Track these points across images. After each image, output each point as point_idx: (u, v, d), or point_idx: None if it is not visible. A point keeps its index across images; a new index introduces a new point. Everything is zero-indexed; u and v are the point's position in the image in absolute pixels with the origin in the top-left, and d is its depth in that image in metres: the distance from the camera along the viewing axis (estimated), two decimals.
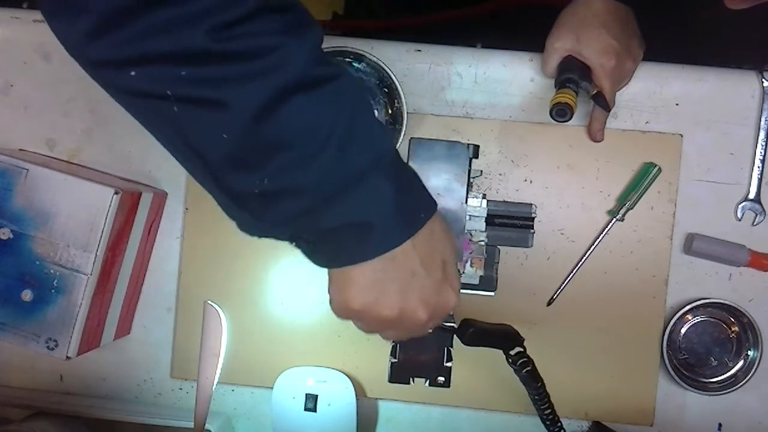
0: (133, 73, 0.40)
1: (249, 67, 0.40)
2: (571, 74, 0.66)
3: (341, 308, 0.50)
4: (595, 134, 0.72)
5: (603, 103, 0.66)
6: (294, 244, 0.49)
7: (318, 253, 0.49)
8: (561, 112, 0.64)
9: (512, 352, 0.63)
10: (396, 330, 0.52)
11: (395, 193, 0.45)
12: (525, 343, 0.64)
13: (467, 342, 0.61)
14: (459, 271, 0.54)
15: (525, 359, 0.63)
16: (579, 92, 0.66)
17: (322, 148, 0.43)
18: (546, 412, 0.67)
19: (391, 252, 0.47)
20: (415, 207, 0.48)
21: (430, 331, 0.60)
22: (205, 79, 0.40)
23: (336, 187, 0.44)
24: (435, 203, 0.50)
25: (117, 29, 0.39)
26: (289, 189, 0.43)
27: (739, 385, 0.74)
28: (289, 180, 0.43)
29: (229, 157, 0.43)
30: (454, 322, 0.62)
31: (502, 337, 0.63)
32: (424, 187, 0.50)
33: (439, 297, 0.51)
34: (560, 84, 0.67)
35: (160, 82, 0.41)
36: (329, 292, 0.51)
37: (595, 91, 0.67)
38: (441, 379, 0.62)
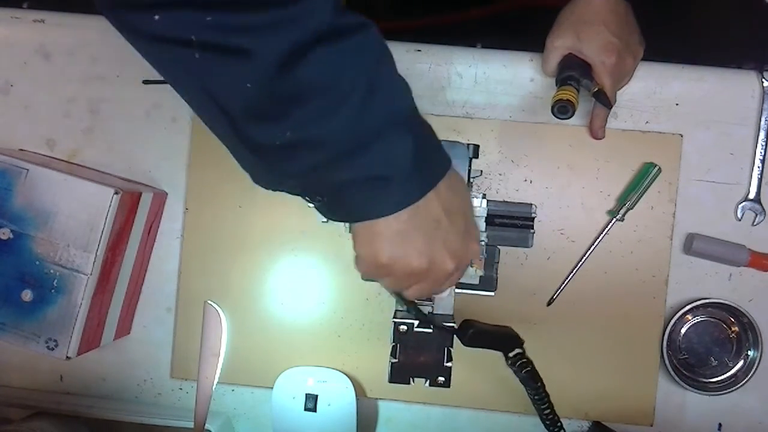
0: (157, 17, 0.40)
1: (276, 14, 0.40)
2: (572, 72, 0.66)
3: (370, 263, 0.50)
4: (596, 132, 0.72)
5: (604, 100, 0.66)
6: (307, 198, 0.49)
7: (333, 208, 0.48)
8: (563, 109, 0.64)
9: (511, 354, 0.63)
10: (423, 283, 0.52)
11: (414, 148, 0.46)
12: (525, 344, 0.64)
13: (467, 343, 0.61)
14: (476, 225, 0.54)
15: (524, 360, 0.63)
16: (580, 90, 0.66)
17: (344, 100, 0.42)
18: (546, 412, 0.67)
19: (414, 204, 0.47)
20: (433, 161, 0.49)
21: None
22: (231, 25, 0.40)
23: (356, 140, 0.44)
24: (449, 159, 0.51)
25: None
26: (309, 140, 0.43)
27: (739, 385, 0.74)
28: (310, 131, 0.43)
29: (251, 108, 0.42)
30: (454, 323, 0.62)
31: (501, 339, 0.63)
32: (439, 142, 0.50)
33: (464, 246, 0.51)
34: (561, 82, 0.67)
35: (185, 27, 0.40)
36: (355, 249, 0.50)
37: (596, 89, 0.66)
38: (441, 379, 0.62)
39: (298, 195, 0.48)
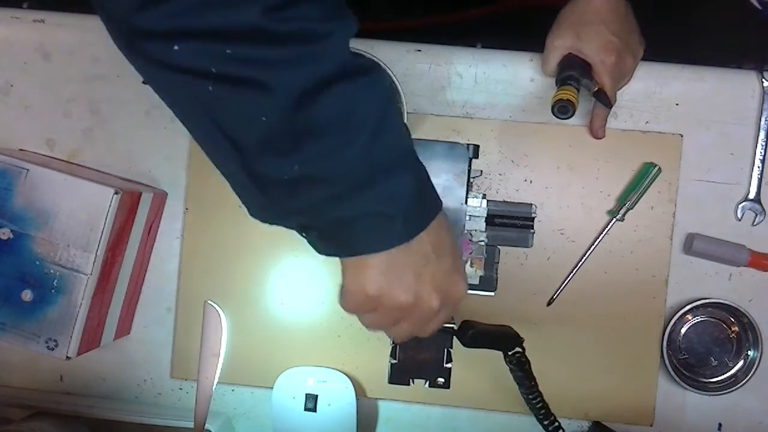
0: (176, 48, 0.39)
1: (299, 51, 0.40)
2: (572, 72, 0.66)
3: (357, 295, 0.50)
4: (596, 131, 0.72)
5: (604, 99, 0.66)
6: (303, 233, 0.49)
7: (328, 242, 0.49)
8: (563, 109, 0.64)
9: (510, 352, 0.63)
10: (408, 320, 0.52)
11: (416, 187, 0.47)
12: (525, 343, 0.64)
13: (467, 344, 0.61)
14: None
15: (523, 359, 0.63)
16: (580, 90, 0.66)
17: (355, 138, 0.43)
18: (541, 411, 0.67)
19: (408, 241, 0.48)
20: (429, 200, 0.50)
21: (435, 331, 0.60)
22: (251, 59, 0.40)
23: (364, 178, 0.44)
24: (439, 199, 0.52)
25: (165, 0, 0.39)
26: (318, 176, 0.44)
27: (739, 385, 0.74)
28: (319, 167, 0.43)
29: (263, 141, 0.42)
30: (454, 323, 0.62)
31: (501, 338, 0.63)
32: (430, 181, 0.51)
33: (450, 284, 0.52)
34: (561, 81, 0.67)
35: (204, 58, 0.40)
36: (343, 281, 0.50)
37: (596, 88, 0.66)
38: (441, 380, 0.62)
39: (293, 229, 0.49)
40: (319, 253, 0.50)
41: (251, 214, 0.48)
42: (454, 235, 0.53)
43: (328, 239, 0.48)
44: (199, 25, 0.39)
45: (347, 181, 0.44)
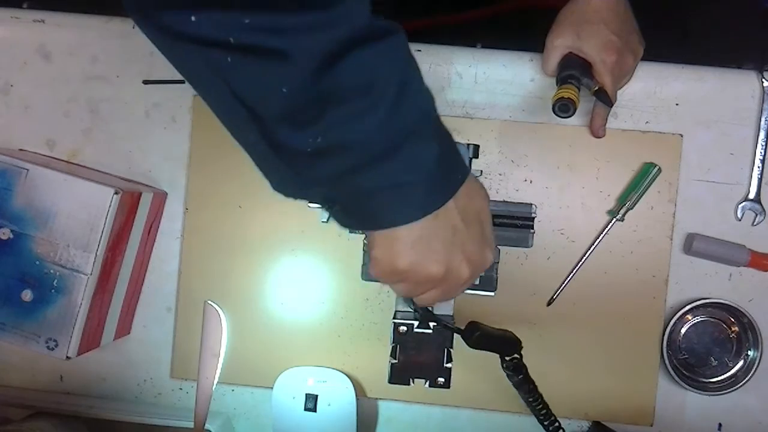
0: (193, 18, 0.39)
1: (315, 17, 0.39)
2: (573, 71, 0.66)
3: (388, 268, 0.49)
4: (597, 130, 0.72)
5: (605, 99, 0.66)
6: (327, 206, 0.48)
7: (355, 216, 0.48)
8: (564, 108, 0.64)
9: (507, 358, 0.63)
10: (438, 289, 0.52)
11: (439, 153, 0.46)
12: (525, 343, 0.64)
13: (473, 345, 0.61)
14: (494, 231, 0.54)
15: (520, 365, 0.63)
16: (580, 89, 0.66)
17: (376, 103, 0.42)
18: (542, 412, 0.67)
19: (436, 210, 0.47)
20: (455, 167, 0.49)
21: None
22: (269, 27, 0.39)
23: (386, 144, 0.43)
24: (468, 165, 0.51)
25: None
26: (341, 144, 0.43)
27: (739, 385, 0.74)
28: (342, 135, 0.42)
29: (284, 112, 0.42)
30: (457, 326, 0.62)
31: (504, 343, 0.63)
32: (458, 150, 0.50)
33: (480, 255, 0.51)
34: (562, 81, 0.67)
35: (222, 28, 0.39)
36: (372, 253, 0.50)
37: (597, 87, 0.67)
38: (441, 379, 0.62)
39: (317, 203, 0.48)
40: (344, 227, 0.49)
41: (273, 188, 0.47)
42: (486, 199, 0.52)
43: (353, 212, 0.48)
44: None
45: (370, 149, 0.43)
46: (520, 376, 0.63)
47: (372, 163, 0.43)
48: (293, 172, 0.45)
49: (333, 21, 0.40)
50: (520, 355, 0.63)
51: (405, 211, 0.47)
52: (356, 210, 0.47)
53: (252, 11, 0.39)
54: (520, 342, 0.63)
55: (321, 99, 0.41)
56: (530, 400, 0.66)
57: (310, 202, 0.47)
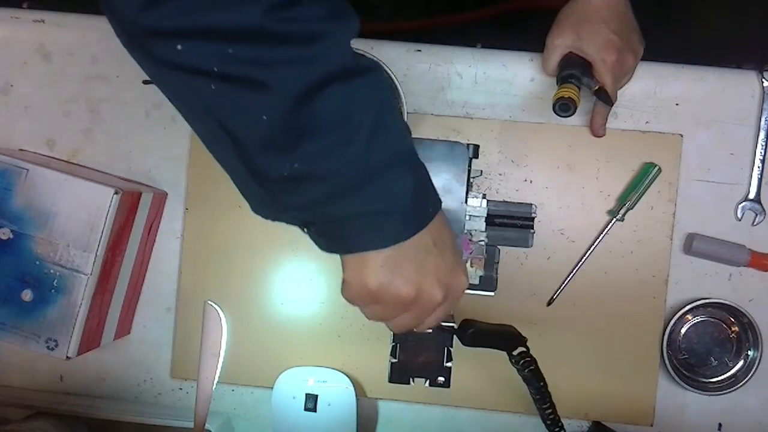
0: (179, 47, 0.40)
1: (299, 51, 0.41)
2: (573, 70, 0.67)
3: (358, 290, 0.50)
4: (597, 129, 0.72)
5: (605, 98, 0.66)
6: (305, 229, 0.49)
7: (329, 239, 0.49)
8: (564, 107, 0.64)
9: (515, 352, 0.63)
10: (410, 312, 0.52)
11: (414, 185, 0.47)
12: (527, 343, 0.64)
13: (467, 343, 0.61)
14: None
15: (528, 359, 0.63)
16: (581, 88, 0.66)
17: (353, 137, 0.44)
18: (547, 411, 0.67)
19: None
20: (428, 199, 0.50)
21: (431, 329, 0.60)
22: (253, 59, 0.41)
23: (361, 176, 0.45)
24: (439, 198, 0.52)
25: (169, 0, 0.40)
26: (316, 173, 0.44)
27: (739, 385, 0.74)
28: (318, 165, 0.44)
29: (263, 139, 0.43)
30: (453, 322, 0.62)
31: (503, 338, 0.63)
32: (431, 180, 0.51)
33: (452, 277, 0.52)
34: (562, 80, 0.67)
35: (207, 58, 0.40)
36: (343, 277, 0.51)
37: (597, 87, 0.67)
38: (441, 379, 0.62)
39: (294, 225, 0.49)
40: (321, 249, 0.50)
41: (252, 209, 0.49)
42: (452, 234, 0.54)
43: (328, 236, 0.49)
44: (202, 25, 0.40)
45: (345, 180, 0.44)
46: (528, 371, 0.63)
47: (346, 193, 0.45)
48: (269, 196, 0.47)
49: (314, 57, 0.42)
50: (527, 348, 0.63)
51: (376, 238, 0.48)
52: (330, 234, 0.49)
53: (236, 43, 0.40)
54: (521, 335, 0.63)
55: (300, 129, 0.43)
56: (538, 397, 0.66)
57: (291, 224, 0.48)
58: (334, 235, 0.49)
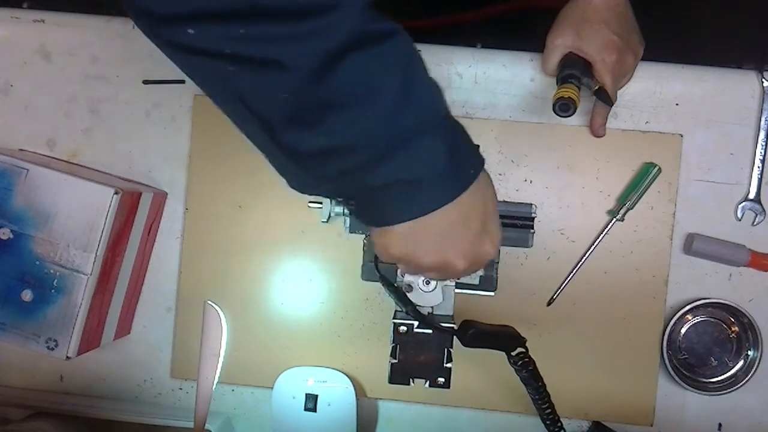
0: (191, 31, 0.40)
1: (307, 25, 0.40)
2: (573, 70, 0.66)
3: (382, 252, 0.52)
4: (597, 129, 0.72)
5: (605, 98, 0.66)
6: (341, 201, 0.50)
7: (364, 212, 0.50)
8: (564, 107, 0.64)
9: (513, 353, 0.63)
10: (435, 274, 0.54)
11: (446, 152, 0.46)
12: (526, 344, 0.64)
13: (467, 343, 0.61)
14: (500, 223, 0.55)
15: (527, 359, 0.63)
16: (581, 88, 0.66)
17: (376, 105, 0.43)
18: (546, 411, 0.67)
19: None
20: (463, 165, 0.49)
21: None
22: (263, 37, 0.40)
23: (389, 145, 0.44)
24: (483, 159, 0.51)
25: None
26: (343, 145, 0.44)
27: (739, 385, 0.74)
28: (345, 137, 0.44)
29: (287, 116, 0.43)
30: (453, 323, 0.62)
31: (503, 338, 0.63)
32: (472, 143, 0.51)
33: (477, 249, 0.52)
34: (562, 80, 0.67)
35: (219, 40, 0.40)
36: (371, 238, 0.53)
37: (597, 87, 0.67)
38: (441, 379, 0.62)
39: (332, 198, 0.50)
40: (364, 222, 0.51)
41: (289, 185, 0.49)
42: (493, 191, 0.53)
43: (365, 209, 0.49)
44: (208, 7, 0.40)
45: (372, 150, 0.44)
46: (527, 372, 0.63)
47: (375, 163, 0.45)
48: (303, 171, 0.46)
49: (325, 29, 0.41)
50: (526, 349, 0.63)
51: (407, 209, 0.48)
52: (365, 207, 0.49)
53: (246, 22, 0.40)
54: (520, 335, 0.63)
55: (322, 103, 0.42)
56: (536, 397, 0.66)
57: (327, 197, 0.49)
58: (369, 208, 0.49)
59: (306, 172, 0.47)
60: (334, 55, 0.41)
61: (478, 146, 0.51)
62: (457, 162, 0.48)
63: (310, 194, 0.49)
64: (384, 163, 0.45)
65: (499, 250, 0.71)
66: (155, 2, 0.40)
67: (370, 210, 0.49)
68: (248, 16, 0.40)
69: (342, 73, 0.42)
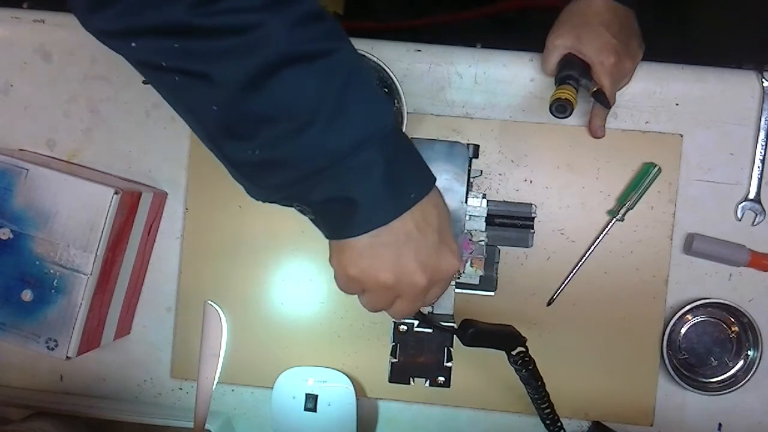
0: (133, 44, 0.43)
1: (230, 43, 0.42)
2: (571, 71, 0.67)
3: (340, 276, 0.51)
4: (595, 130, 0.72)
5: (603, 100, 0.66)
6: (300, 212, 0.50)
7: (319, 224, 0.50)
8: (561, 108, 0.64)
9: (513, 352, 0.63)
10: (402, 299, 0.52)
11: (385, 170, 0.46)
12: (526, 343, 0.64)
13: (467, 343, 0.61)
14: (456, 241, 0.54)
15: (527, 359, 0.63)
16: (579, 89, 0.66)
17: (309, 123, 0.43)
18: (546, 411, 0.67)
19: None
20: (407, 185, 0.48)
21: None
22: (191, 52, 0.42)
23: (323, 161, 0.44)
24: (432, 179, 0.50)
25: (109, 3, 0.42)
26: (278, 160, 0.45)
27: (739, 385, 0.74)
28: (278, 152, 0.44)
29: (221, 127, 0.45)
30: (454, 322, 0.62)
31: (503, 338, 0.63)
32: (422, 163, 0.50)
33: (437, 259, 0.50)
34: (560, 81, 0.67)
35: (155, 53, 0.43)
36: (330, 262, 0.51)
37: (596, 89, 0.67)
38: (441, 379, 0.62)
39: (291, 207, 0.50)
40: (324, 235, 0.51)
41: (247, 193, 0.49)
42: (446, 210, 0.52)
43: (316, 221, 0.50)
44: (142, 24, 0.42)
45: (306, 166, 0.45)
46: (527, 371, 0.63)
47: (311, 178, 0.45)
48: (245, 180, 0.47)
49: (251, 46, 0.42)
50: (526, 348, 0.63)
51: (348, 226, 0.47)
52: (317, 220, 0.49)
53: (178, 37, 0.42)
54: (521, 335, 0.63)
55: (254, 116, 0.44)
56: (536, 397, 0.66)
57: (286, 206, 0.49)
58: (319, 221, 0.49)
59: (250, 182, 0.47)
60: (263, 72, 0.42)
61: (426, 166, 0.50)
62: (398, 181, 0.47)
63: (268, 202, 0.49)
64: (318, 180, 0.45)
65: (499, 251, 0.71)
66: (96, 19, 0.43)
67: (324, 222, 0.49)
68: (182, 33, 0.42)
69: (272, 88, 0.43)
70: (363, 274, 0.49)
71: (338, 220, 0.48)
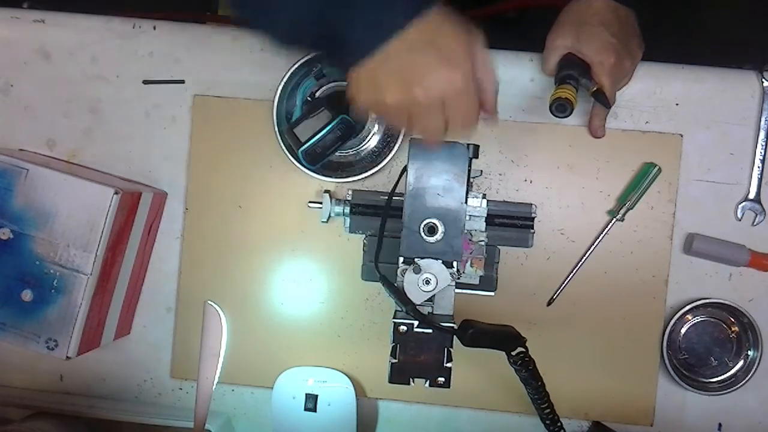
0: None
1: None
2: (571, 71, 0.66)
3: (357, 103, 0.56)
4: (595, 130, 0.72)
5: (603, 100, 0.66)
6: (313, 60, 0.56)
7: (333, 59, 0.56)
8: (561, 108, 0.64)
9: (513, 353, 0.63)
10: (416, 118, 0.55)
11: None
12: (525, 343, 0.64)
13: (467, 343, 0.61)
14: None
15: (526, 359, 0.63)
16: (579, 89, 0.66)
17: None
18: (546, 411, 0.67)
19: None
20: (396, 6, 0.52)
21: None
22: None
23: None
24: (420, 5, 0.53)
25: None
26: None
27: (739, 385, 0.74)
28: None
29: None
30: (454, 323, 0.62)
31: (503, 338, 0.63)
32: None
33: (437, 67, 0.53)
34: (560, 81, 0.67)
35: None
36: (347, 86, 0.56)
37: (595, 88, 0.67)
38: (441, 379, 0.62)
39: (295, 46, 0.55)
40: (340, 71, 0.56)
41: (251, 27, 0.56)
42: (447, 32, 0.54)
43: (333, 54, 0.54)
44: None
45: None
46: (527, 372, 0.63)
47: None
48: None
49: None
50: (526, 349, 0.63)
51: (341, 60, 0.53)
52: (333, 51, 0.54)
53: None
54: (520, 335, 0.63)
55: None
56: (536, 397, 0.66)
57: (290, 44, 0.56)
58: (335, 53, 0.53)
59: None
60: None
61: None
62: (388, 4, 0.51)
63: (275, 40, 0.54)
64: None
65: (499, 251, 0.71)
66: None
67: (338, 54, 0.53)
68: None
69: None
70: (372, 101, 0.54)
71: (352, 42, 0.51)
